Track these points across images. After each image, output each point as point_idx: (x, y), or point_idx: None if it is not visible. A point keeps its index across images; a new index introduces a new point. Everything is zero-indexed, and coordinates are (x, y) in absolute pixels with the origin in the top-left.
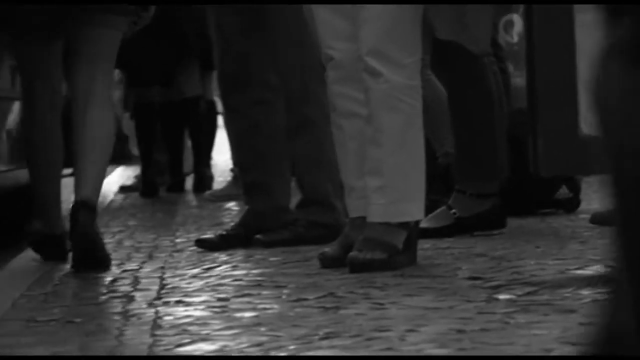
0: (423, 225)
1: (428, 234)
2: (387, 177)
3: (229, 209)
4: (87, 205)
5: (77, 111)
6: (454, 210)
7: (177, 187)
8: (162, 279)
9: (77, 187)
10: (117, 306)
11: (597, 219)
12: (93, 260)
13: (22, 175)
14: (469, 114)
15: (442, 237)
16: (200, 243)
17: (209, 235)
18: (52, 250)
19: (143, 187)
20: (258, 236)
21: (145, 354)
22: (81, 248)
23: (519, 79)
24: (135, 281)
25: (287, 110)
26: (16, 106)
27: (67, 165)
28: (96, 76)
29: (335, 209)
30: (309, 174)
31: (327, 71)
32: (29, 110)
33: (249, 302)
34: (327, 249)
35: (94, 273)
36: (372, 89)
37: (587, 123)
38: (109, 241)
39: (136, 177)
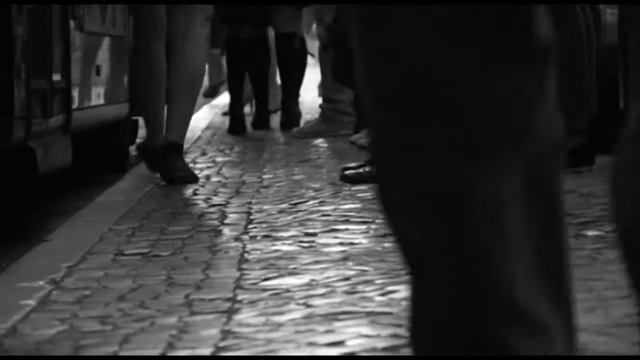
0: None
1: None
2: None
3: (316, 145)
4: (174, 147)
5: (175, 48)
6: None
7: (262, 123)
8: (249, 214)
9: (167, 128)
10: (204, 240)
11: None
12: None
13: (110, 110)
14: None
15: None
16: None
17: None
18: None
19: (230, 124)
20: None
21: (232, 288)
22: (171, 180)
23: (609, 15)
24: (223, 216)
25: None
26: (105, 41)
27: None
28: (193, 19)
29: None
30: None
31: None
32: (140, 49)
33: (336, 237)
34: None
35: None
36: None
37: None
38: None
39: (224, 113)
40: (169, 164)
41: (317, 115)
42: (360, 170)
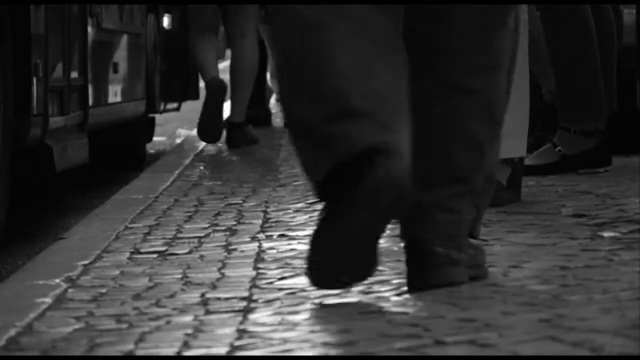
0: (527, 162)
1: (532, 171)
2: None
3: None
4: (237, 125)
5: (234, 45)
6: (559, 148)
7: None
8: (265, 213)
9: (231, 111)
10: (220, 239)
11: None
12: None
13: (127, 108)
14: (564, 49)
15: (547, 175)
16: None
17: None
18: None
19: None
20: None
21: (248, 287)
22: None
23: (627, 15)
24: (239, 215)
25: None
26: (123, 39)
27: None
28: (247, 21)
29: None
30: None
31: None
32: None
33: None
34: None
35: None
36: None
37: None
38: (213, 175)
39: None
40: (235, 138)
41: None
42: None
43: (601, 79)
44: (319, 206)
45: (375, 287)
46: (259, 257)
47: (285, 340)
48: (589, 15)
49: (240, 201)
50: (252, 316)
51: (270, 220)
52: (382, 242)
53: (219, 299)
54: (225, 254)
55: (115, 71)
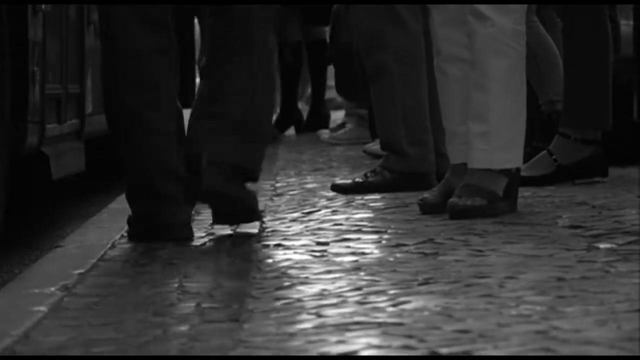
0: (524, 173)
1: (528, 181)
2: (491, 122)
3: (329, 154)
4: None
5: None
6: (554, 157)
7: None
8: (261, 222)
9: None
10: (216, 248)
11: None
12: None
13: None
14: (581, 58)
15: (543, 185)
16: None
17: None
18: None
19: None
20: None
21: (243, 296)
22: None
23: (624, 27)
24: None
25: (364, 56)
26: None
27: None
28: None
29: (406, 155)
30: (381, 119)
31: (432, 15)
32: None
33: (348, 247)
34: (427, 194)
35: None
36: (477, 32)
37: None
38: None
39: None
40: None
41: (340, 121)
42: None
43: (610, 89)
44: (315, 216)
45: (371, 298)
46: (255, 267)
47: (280, 351)
48: (608, 25)
49: None
50: (247, 326)
51: (267, 230)
52: (377, 253)
53: (215, 308)
54: (222, 263)
55: None
